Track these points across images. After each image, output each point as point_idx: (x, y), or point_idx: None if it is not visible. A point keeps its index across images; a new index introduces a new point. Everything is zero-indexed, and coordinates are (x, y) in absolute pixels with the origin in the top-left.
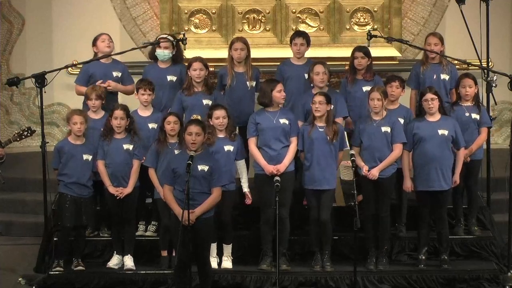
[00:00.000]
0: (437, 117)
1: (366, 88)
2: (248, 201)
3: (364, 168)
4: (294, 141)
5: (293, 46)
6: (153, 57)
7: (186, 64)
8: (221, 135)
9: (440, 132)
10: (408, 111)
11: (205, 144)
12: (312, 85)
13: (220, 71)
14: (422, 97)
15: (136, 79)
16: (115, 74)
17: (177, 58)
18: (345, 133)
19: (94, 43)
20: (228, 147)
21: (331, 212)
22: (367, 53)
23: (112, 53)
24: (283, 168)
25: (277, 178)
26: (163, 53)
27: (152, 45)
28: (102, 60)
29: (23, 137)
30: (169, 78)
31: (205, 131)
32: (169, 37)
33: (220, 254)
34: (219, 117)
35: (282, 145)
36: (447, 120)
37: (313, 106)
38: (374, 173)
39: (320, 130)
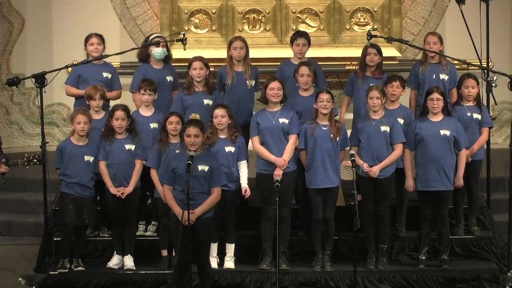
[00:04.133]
0: (439, 117)
1: None
2: (247, 194)
3: (364, 165)
4: (292, 138)
5: (294, 47)
6: (143, 58)
7: (183, 64)
8: (222, 135)
9: (442, 132)
10: (408, 112)
11: (206, 144)
12: (297, 84)
13: (220, 71)
14: (428, 95)
15: (128, 79)
16: (105, 75)
17: (167, 58)
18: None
19: (85, 43)
20: (229, 148)
21: None
22: (379, 51)
23: (112, 54)
24: (285, 160)
25: (277, 178)
26: (161, 50)
27: (153, 45)
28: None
29: (32, 163)
30: (168, 78)
31: (204, 132)
32: (162, 35)
33: (221, 254)
34: (218, 116)
35: (282, 145)
36: (449, 120)
37: (321, 104)
38: (376, 170)
39: (324, 128)
